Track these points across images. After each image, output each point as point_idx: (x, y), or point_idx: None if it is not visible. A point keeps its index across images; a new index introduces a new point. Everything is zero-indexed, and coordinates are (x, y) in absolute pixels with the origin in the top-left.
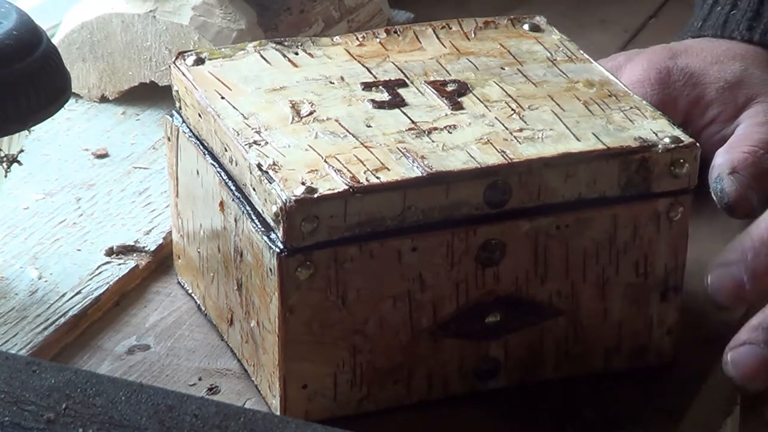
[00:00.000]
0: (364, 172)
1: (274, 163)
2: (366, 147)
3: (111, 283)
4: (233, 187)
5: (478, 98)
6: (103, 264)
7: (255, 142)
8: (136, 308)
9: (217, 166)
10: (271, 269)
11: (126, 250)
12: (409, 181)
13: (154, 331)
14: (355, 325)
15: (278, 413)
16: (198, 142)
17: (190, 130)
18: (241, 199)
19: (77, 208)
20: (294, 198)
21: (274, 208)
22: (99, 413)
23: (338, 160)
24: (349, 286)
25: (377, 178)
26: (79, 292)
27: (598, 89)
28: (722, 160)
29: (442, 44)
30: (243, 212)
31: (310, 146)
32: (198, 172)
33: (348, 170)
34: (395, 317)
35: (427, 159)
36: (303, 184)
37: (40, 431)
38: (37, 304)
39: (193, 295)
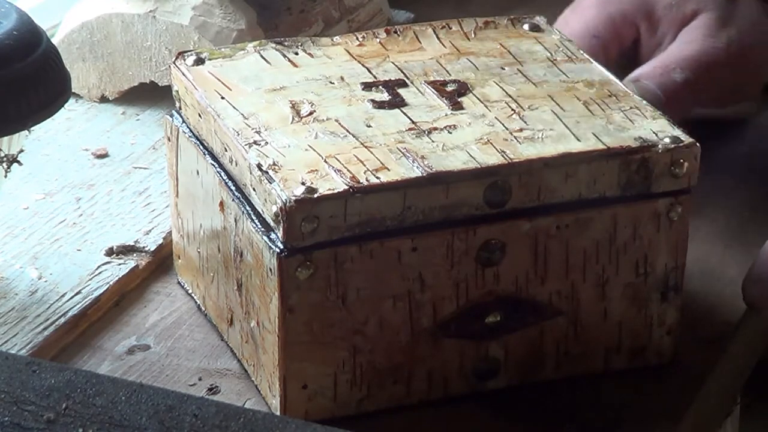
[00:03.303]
0: (364, 172)
1: (274, 163)
2: (366, 147)
3: (111, 283)
4: (233, 187)
5: (478, 98)
6: (103, 264)
7: (255, 142)
8: (136, 308)
9: (217, 166)
10: (271, 269)
11: (126, 250)
12: (409, 181)
13: (154, 331)
14: (355, 325)
15: (278, 413)
16: (198, 142)
17: (190, 130)
18: (241, 199)
19: (77, 208)
20: (294, 198)
21: (274, 208)
22: (99, 413)
23: (338, 160)
24: (349, 286)
25: (377, 178)
26: (79, 292)
27: (598, 89)
28: (635, 73)
29: (442, 44)
30: (243, 212)
31: (310, 146)
32: (198, 172)
33: (348, 170)
34: (395, 317)
35: (427, 159)
36: (303, 184)
37: (40, 431)
38: (37, 304)
39: (193, 295)
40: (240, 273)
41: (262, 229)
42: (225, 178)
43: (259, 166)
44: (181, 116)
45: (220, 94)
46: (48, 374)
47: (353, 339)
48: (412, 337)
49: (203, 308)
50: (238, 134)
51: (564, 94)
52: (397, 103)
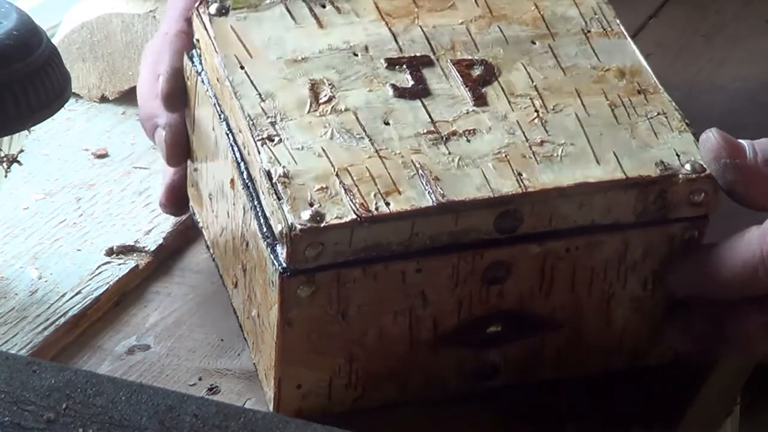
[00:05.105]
0: (374, 195)
1: (284, 174)
2: (380, 157)
3: (111, 283)
4: (245, 172)
5: (502, 89)
6: (103, 264)
7: (269, 138)
8: (136, 308)
9: (231, 138)
10: (272, 282)
11: (126, 250)
12: (419, 211)
13: (154, 331)
14: (354, 337)
15: (272, 404)
16: (215, 102)
17: (209, 84)
18: (251, 189)
19: (77, 208)
20: (299, 227)
21: (280, 227)
22: (99, 413)
23: (350, 174)
24: (350, 303)
25: (387, 204)
26: (79, 292)
27: (627, 81)
28: None
29: (476, 3)
30: (251, 207)
31: (323, 150)
32: (213, 129)
33: (359, 191)
34: (394, 330)
35: (440, 180)
36: (311, 205)
37: (40, 431)
38: (37, 304)
39: (201, 228)
40: (245, 259)
41: (268, 234)
42: (238, 157)
43: (269, 176)
44: (201, 64)
45: (239, 62)
46: (48, 374)
47: (351, 348)
48: (410, 347)
49: (211, 249)
50: (254, 124)
51: (592, 88)
52: (418, 92)
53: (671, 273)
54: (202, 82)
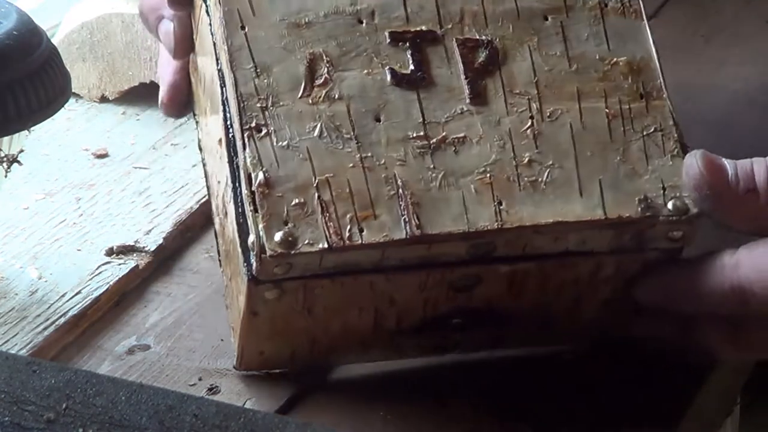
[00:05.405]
0: (350, 219)
1: (264, 182)
2: (363, 167)
3: (111, 283)
4: (232, 140)
5: (502, 83)
6: (103, 264)
7: (256, 128)
8: (136, 308)
9: (224, 94)
10: (242, 276)
11: (126, 250)
12: (392, 243)
13: (154, 331)
14: (318, 327)
15: (236, 359)
16: (214, 44)
17: (211, 18)
18: (234, 166)
19: (77, 208)
20: (270, 251)
21: (252, 238)
22: (99, 413)
23: (330, 187)
24: (316, 302)
25: (360, 231)
26: (79, 292)
27: (632, 81)
28: None
29: None
30: (231, 187)
31: (308, 151)
32: (210, 65)
33: (335, 212)
34: (359, 323)
35: (419, 206)
36: (285, 223)
37: (40, 431)
38: (37, 304)
39: (197, 121)
40: (224, 224)
41: (244, 228)
42: (228, 123)
43: (249, 180)
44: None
45: (241, 21)
46: (48, 374)
47: (314, 333)
48: (373, 334)
49: (201, 154)
50: (244, 107)
51: (594, 89)
52: (416, 80)
53: (643, 287)
54: (207, 13)
